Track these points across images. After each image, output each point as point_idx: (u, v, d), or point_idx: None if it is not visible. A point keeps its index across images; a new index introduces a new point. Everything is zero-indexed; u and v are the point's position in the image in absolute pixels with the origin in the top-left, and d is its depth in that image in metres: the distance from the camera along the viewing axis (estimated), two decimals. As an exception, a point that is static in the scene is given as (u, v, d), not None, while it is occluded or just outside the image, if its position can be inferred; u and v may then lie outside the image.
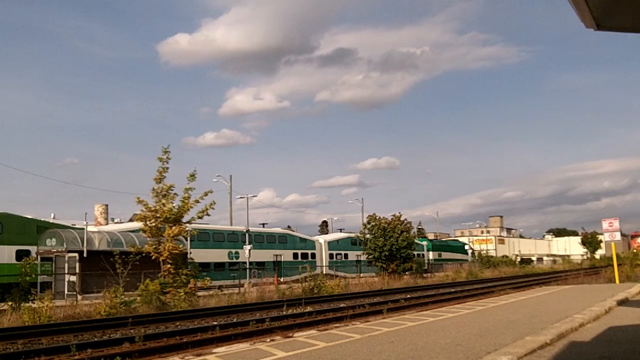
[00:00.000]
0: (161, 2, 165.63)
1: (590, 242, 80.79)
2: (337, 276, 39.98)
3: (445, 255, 69.56)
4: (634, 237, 45.90)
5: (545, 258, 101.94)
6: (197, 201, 22.79)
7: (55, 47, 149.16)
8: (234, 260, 42.36)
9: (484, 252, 78.85)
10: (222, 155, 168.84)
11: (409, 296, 24.88)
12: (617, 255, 28.71)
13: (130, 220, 45.90)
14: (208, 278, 25.00)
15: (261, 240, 45.55)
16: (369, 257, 43.34)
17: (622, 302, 16.55)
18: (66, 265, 27.88)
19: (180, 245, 23.07)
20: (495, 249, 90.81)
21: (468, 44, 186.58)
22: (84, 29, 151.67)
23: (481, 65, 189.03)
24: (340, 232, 61.94)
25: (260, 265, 44.07)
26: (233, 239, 43.37)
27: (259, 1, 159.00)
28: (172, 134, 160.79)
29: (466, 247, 78.48)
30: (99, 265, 24.64)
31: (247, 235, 41.58)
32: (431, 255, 65.55)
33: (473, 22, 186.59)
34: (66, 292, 26.98)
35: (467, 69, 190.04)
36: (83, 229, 29.34)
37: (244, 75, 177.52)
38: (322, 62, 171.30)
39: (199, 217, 23.11)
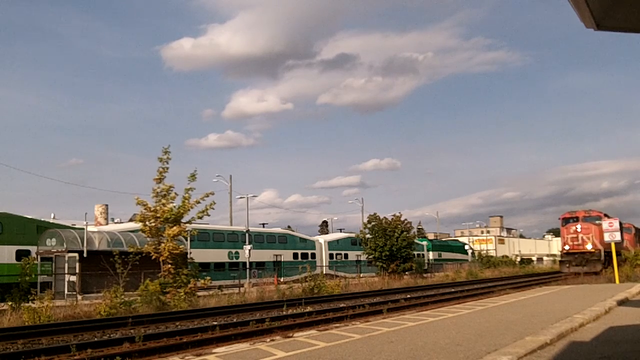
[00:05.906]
0: (171, 7, 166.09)
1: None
2: (337, 276, 40.03)
3: (445, 255, 69.56)
4: (567, 220, 35.11)
5: (545, 258, 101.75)
6: (198, 202, 22.81)
7: (59, 47, 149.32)
8: (234, 260, 42.36)
9: (484, 252, 78.81)
10: (225, 157, 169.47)
11: (409, 296, 24.87)
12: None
13: (130, 220, 45.88)
14: (208, 278, 24.97)
15: (261, 240, 45.54)
16: (369, 257, 43.31)
17: (622, 302, 16.55)
18: (66, 265, 27.87)
19: (180, 245, 23.06)
20: (495, 249, 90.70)
21: (473, 49, 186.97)
22: (89, 29, 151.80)
23: (485, 69, 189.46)
24: (340, 232, 61.94)
25: (260, 265, 44.06)
26: (233, 239, 43.38)
27: (266, 7, 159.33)
28: (175, 135, 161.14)
29: (466, 247, 78.44)
30: (99, 265, 24.63)
31: (247, 235, 41.58)
32: (431, 255, 65.55)
33: (478, 28, 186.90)
34: (66, 292, 26.97)
35: (470, 73, 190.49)
36: (83, 229, 29.32)
37: (248, 79, 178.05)
38: (324, 66, 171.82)
39: (199, 218, 23.12)
